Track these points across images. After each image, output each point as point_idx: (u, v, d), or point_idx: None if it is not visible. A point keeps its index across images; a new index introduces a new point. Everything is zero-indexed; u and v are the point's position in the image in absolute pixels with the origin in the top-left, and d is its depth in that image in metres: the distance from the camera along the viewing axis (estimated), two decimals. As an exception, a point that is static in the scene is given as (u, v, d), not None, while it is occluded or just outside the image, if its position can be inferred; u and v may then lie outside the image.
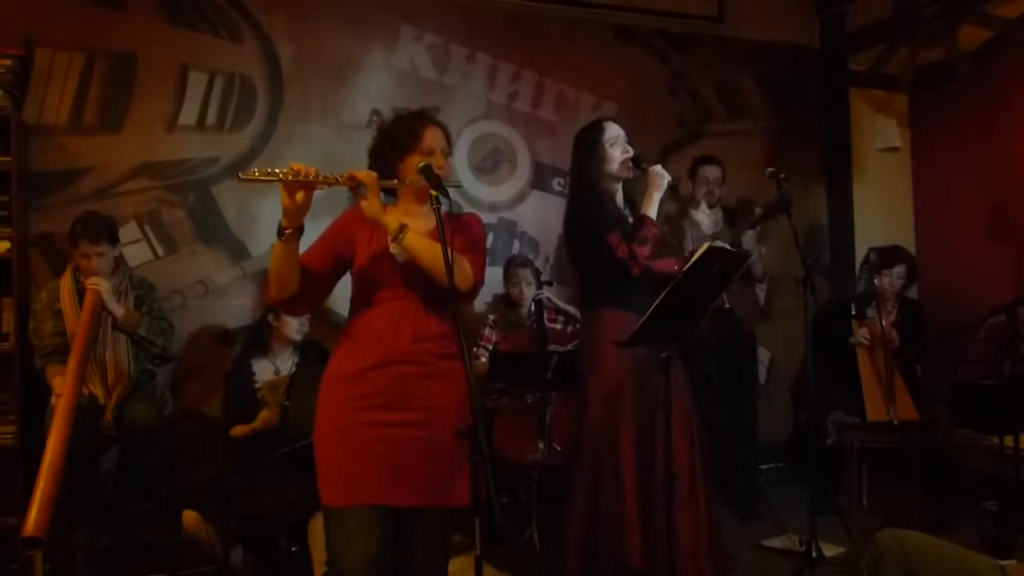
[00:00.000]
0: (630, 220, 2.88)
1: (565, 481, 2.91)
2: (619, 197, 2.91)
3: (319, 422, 2.13)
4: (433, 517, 2.13)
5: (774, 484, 4.41)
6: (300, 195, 1.91)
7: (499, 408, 3.78)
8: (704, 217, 4.17)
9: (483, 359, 3.92)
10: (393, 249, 2.08)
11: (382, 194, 2.06)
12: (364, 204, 1.99)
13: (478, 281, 2.18)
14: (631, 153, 2.84)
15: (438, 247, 1.91)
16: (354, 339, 2.13)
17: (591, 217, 2.81)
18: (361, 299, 2.15)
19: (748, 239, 3.95)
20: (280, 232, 1.96)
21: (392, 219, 2.01)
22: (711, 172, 4.18)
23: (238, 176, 1.89)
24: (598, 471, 2.77)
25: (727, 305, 4.07)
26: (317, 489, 2.10)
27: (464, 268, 2.09)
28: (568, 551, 2.81)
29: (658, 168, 2.81)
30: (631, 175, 2.87)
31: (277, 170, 1.88)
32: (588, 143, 2.90)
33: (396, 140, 2.14)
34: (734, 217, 4.18)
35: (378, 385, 2.07)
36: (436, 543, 2.16)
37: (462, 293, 2.08)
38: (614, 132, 2.87)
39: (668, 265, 2.84)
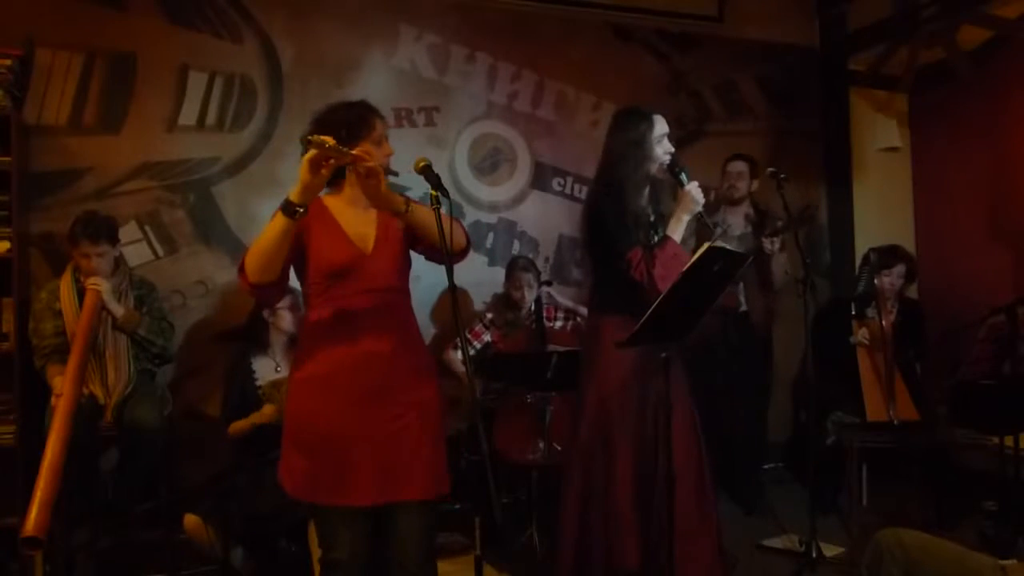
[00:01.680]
0: (651, 218, 2.80)
1: (561, 482, 2.91)
2: (645, 192, 2.81)
3: (297, 423, 2.10)
4: (419, 508, 2.11)
5: (774, 484, 4.41)
6: (325, 170, 1.90)
7: (499, 408, 3.78)
8: (733, 218, 4.15)
9: (461, 355, 3.93)
10: (400, 224, 2.10)
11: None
12: (372, 187, 1.96)
13: (469, 238, 2.24)
14: (672, 153, 2.73)
15: (432, 213, 1.97)
16: (326, 337, 2.08)
17: (614, 227, 2.68)
18: (328, 294, 2.10)
19: (769, 246, 3.91)
20: (291, 210, 1.90)
21: (397, 196, 2.03)
22: (733, 167, 4.16)
23: (308, 139, 1.85)
24: (592, 473, 2.77)
25: (743, 308, 4.07)
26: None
27: (455, 228, 2.08)
28: (562, 551, 2.81)
29: (694, 189, 2.66)
30: (664, 177, 2.76)
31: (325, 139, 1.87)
32: (634, 137, 2.72)
33: (352, 128, 2.10)
34: (764, 220, 4.11)
35: (360, 385, 2.06)
36: (423, 533, 2.13)
37: (460, 251, 2.14)
38: (662, 129, 2.73)
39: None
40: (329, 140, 1.85)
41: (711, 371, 3.95)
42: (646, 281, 2.63)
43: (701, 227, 2.99)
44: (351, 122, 2.12)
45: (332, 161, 1.89)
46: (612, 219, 2.69)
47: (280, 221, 1.93)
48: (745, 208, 4.18)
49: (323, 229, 2.10)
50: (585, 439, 2.81)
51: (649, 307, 2.42)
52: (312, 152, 1.87)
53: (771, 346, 4.32)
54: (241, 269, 2.03)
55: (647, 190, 2.80)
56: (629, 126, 2.76)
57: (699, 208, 2.68)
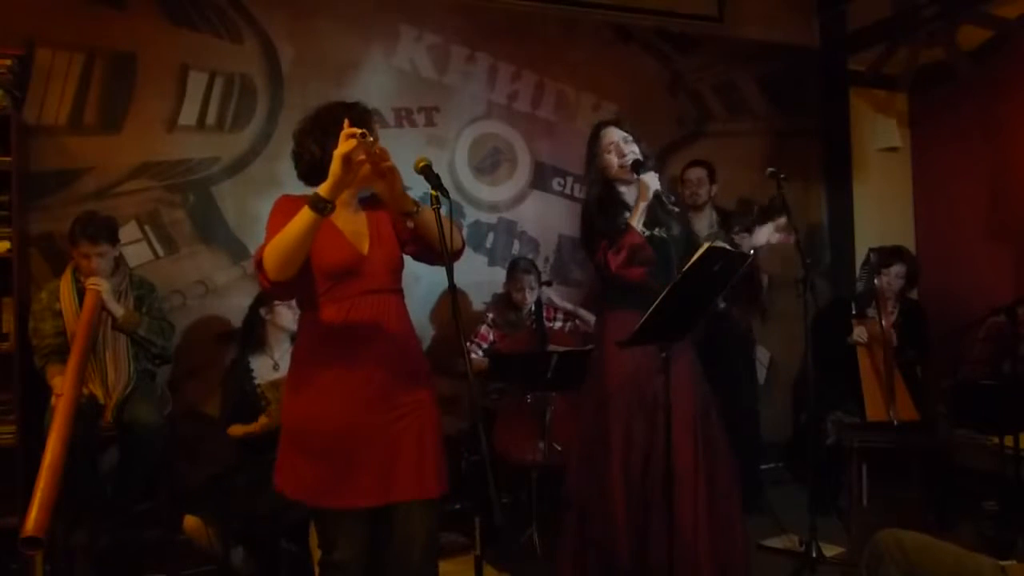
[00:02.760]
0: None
1: (562, 481, 2.92)
2: (615, 196, 2.90)
3: (300, 426, 2.10)
4: (422, 507, 2.11)
5: (774, 484, 4.41)
6: (356, 165, 1.89)
7: (499, 408, 3.78)
8: (698, 223, 4.18)
9: (475, 356, 3.95)
10: (409, 224, 2.07)
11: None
12: (386, 186, 1.97)
13: (464, 241, 2.24)
14: (632, 156, 2.81)
15: (432, 213, 1.98)
16: (328, 340, 2.08)
17: (591, 221, 2.85)
18: (329, 296, 2.09)
19: (741, 243, 3.94)
20: (323, 205, 1.89)
21: (409, 197, 2.04)
22: (692, 174, 4.31)
23: (352, 133, 1.86)
24: (590, 472, 2.78)
25: (722, 306, 4.07)
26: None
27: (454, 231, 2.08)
28: (562, 551, 2.83)
29: (647, 178, 2.76)
30: (633, 179, 2.83)
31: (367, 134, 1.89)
32: (589, 151, 2.92)
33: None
34: (728, 219, 4.19)
35: (368, 386, 2.06)
36: (426, 532, 2.13)
37: (455, 253, 2.08)
38: (610, 138, 2.86)
39: (637, 275, 2.76)
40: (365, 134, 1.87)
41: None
42: (602, 264, 2.75)
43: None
44: (352, 122, 2.11)
45: (363, 157, 1.88)
46: (590, 215, 2.87)
47: (308, 217, 1.90)
48: (708, 212, 4.26)
49: (321, 230, 2.07)
50: (583, 440, 2.83)
51: (648, 299, 2.44)
52: (346, 147, 1.85)
53: (753, 342, 4.34)
54: (259, 266, 1.99)
55: (619, 194, 2.88)
56: (588, 144, 2.95)
57: (651, 193, 2.75)
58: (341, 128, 2.02)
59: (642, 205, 2.78)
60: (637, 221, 2.77)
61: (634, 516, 2.69)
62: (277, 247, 1.95)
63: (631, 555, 2.67)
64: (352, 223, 2.13)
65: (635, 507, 2.70)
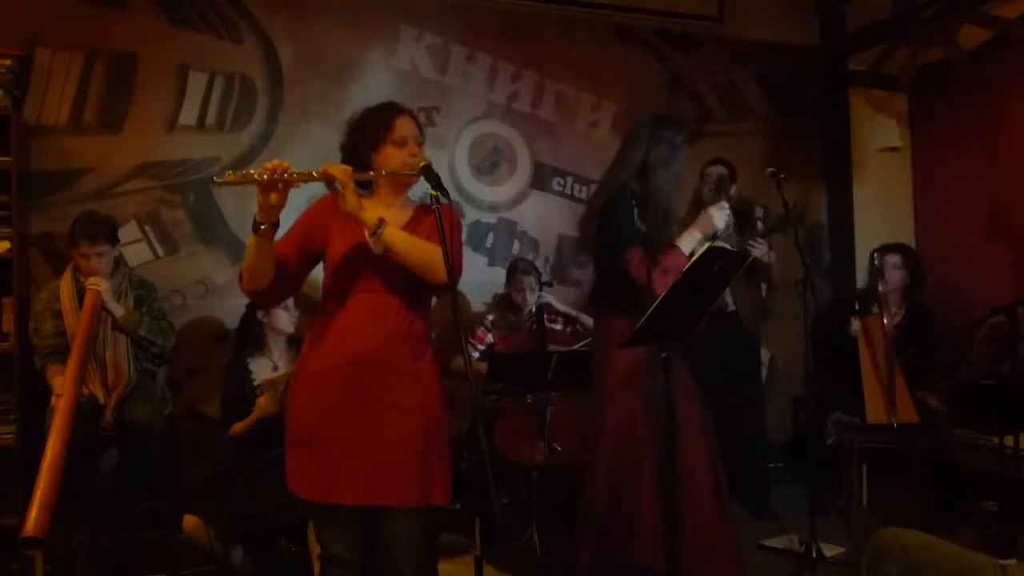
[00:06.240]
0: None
1: (584, 477, 2.86)
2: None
3: (287, 418, 2.15)
4: (407, 515, 2.09)
5: (774, 484, 4.40)
6: (274, 195, 1.91)
7: (499, 408, 3.78)
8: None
9: (473, 358, 3.94)
10: (372, 244, 2.03)
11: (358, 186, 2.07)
12: (341, 201, 1.98)
13: (456, 275, 2.09)
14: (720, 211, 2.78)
15: (417, 241, 2.01)
16: (322, 335, 2.11)
17: (619, 226, 2.73)
18: (334, 292, 2.12)
19: (760, 250, 3.92)
20: (255, 227, 1.96)
21: (370, 214, 2.00)
22: (713, 171, 4.15)
23: (212, 180, 1.92)
24: (619, 466, 2.74)
25: (731, 308, 4.05)
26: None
27: (436, 259, 1.99)
28: (581, 547, 2.78)
29: (715, 211, 2.71)
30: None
31: (252, 171, 1.90)
32: (671, 146, 2.77)
33: (368, 132, 2.12)
34: (742, 222, 4.12)
35: (344, 384, 2.05)
36: (410, 540, 2.10)
37: (440, 285, 2.04)
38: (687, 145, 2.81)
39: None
40: (275, 167, 1.88)
41: (703, 372, 3.96)
42: (644, 281, 2.65)
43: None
44: (366, 127, 2.13)
45: (281, 185, 1.91)
46: (621, 218, 2.73)
47: (251, 237, 1.99)
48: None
49: (343, 226, 2.10)
50: (610, 431, 2.76)
51: (649, 308, 2.42)
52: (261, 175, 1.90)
53: (759, 344, 4.33)
54: (240, 275, 2.10)
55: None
56: (671, 132, 2.80)
57: (713, 231, 2.71)
58: (362, 133, 2.13)
59: (697, 235, 2.72)
60: (687, 246, 2.71)
61: (658, 513, 2.66)
62: (244, 261, 2.07)
63: (652, 553, 2.63)
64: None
65: (660, 503, 2.67)
